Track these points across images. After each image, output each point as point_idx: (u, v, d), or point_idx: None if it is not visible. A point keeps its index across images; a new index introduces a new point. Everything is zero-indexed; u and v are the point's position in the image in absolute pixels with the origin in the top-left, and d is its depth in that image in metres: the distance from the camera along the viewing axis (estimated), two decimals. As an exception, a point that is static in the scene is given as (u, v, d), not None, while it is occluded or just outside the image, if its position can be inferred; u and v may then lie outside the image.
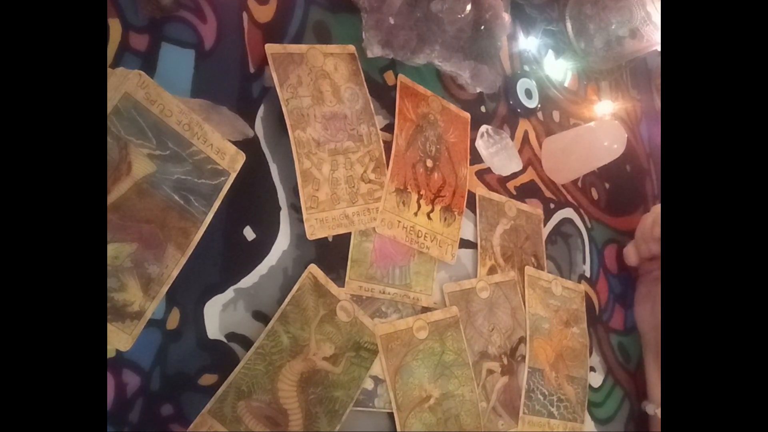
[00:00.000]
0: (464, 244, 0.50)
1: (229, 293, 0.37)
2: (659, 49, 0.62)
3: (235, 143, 0.37)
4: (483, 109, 0.55)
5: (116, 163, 0.32)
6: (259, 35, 0.42)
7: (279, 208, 0.40)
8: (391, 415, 0.42)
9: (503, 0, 0.51)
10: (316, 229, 0.40)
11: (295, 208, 0.41)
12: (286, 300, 0.38)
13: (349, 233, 0.43)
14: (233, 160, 0.37)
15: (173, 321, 0.35)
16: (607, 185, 0.66)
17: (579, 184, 0.63)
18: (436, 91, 0.51)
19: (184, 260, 0.34)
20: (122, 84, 0.33)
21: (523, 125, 0.58)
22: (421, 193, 0.47)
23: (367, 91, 0.45)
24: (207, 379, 0.36)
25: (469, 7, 0.48)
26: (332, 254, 0.42)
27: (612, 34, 0.62)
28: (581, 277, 0.60)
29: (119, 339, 0.32)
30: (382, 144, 0.45)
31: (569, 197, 0.61)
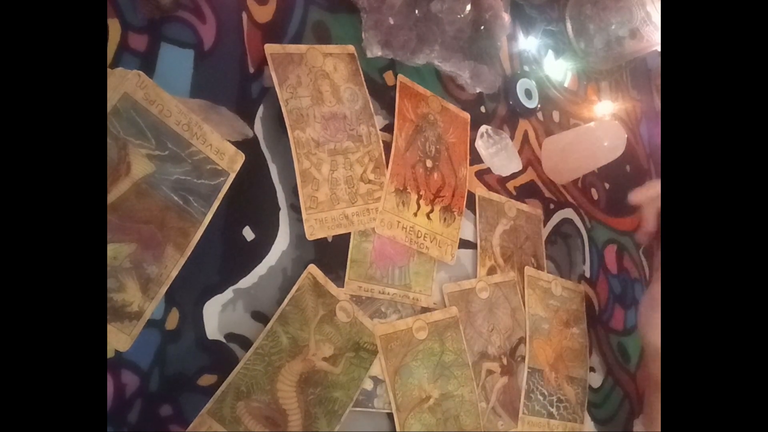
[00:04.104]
0: (464, 244, 0.50)
1: (229, 293, 0.37)
2: (659, 49, 0.61)
3: (234, 143, 0.37)
4: (483, 109, 0.55)
5: (115, 163, 0.32)
6: (259, 35, 0.42)
7: (278, 209, 0.40)
8: (390, 416, 0.42)
9: (503, 0, 0.51)
10: (315, 230, 0.40)
11: (295, 208, 0.41)
12: (286, 300, 0.38)
13: (349, 233, 0.43)
14: (232, 161, 0.37)
15: (172, 321, 0.35)
16: (607, 185, 0.66)
17: (579, 184, 0.63)
18: (435, 92, 0.51)
19: (183, 260, 0.34)
20: (121, 84, 0.33)
21: (523, 125, 0.58)
22: (420, 193, 0.47)
23: (367, 91, 0.45)
24: (206, 380, 0.36)
25: (468, 7, 0.48)
26: (332, 254, 0.42)
27: (612, 35, 0.62)
28: (581, 278, 0.60)
29: (118, 339, 0.32)
30: (381, 144, 0.45)
31: (569, 197, 0.61)
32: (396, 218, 0.45)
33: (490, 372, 0.48)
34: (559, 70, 0.64)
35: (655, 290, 0.47)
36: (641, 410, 0.57)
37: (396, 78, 0.48)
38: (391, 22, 0.45)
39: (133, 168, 0.33)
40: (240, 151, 0.37)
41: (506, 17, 0.51)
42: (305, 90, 0.42)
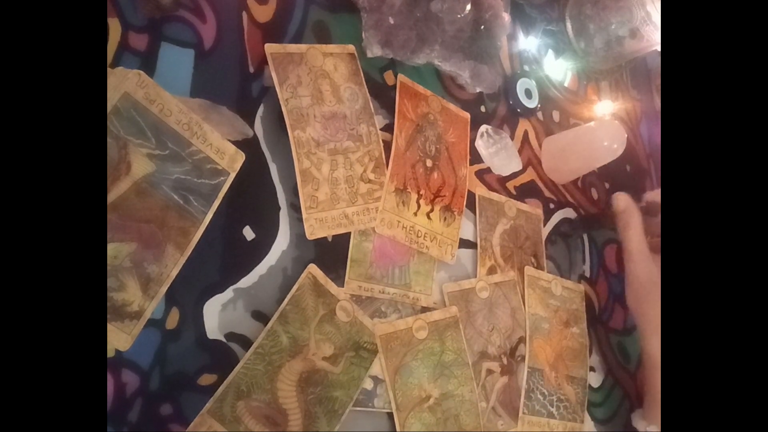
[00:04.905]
0: (464, 243, 0.50)
1: (229, 293, 0.37)
2: (659, 49, 0.61)
3: (234, 143, 0.37)
4: (483, 109, 0.55)
5: (115, 162, 0.32)
6: (259, 35, 0.42)
7: (278, 208, 0.40)
8: (390, 415, 0.42)
9: (503, 0, 0.51)
10: (315, 229, 0.40)
11: (295, 207, 0.41)
12: (286, 300, 0.38)
13: (349, 233, 0.43)
14: (233, 160, 0.37)
15: (172, 321, 0.35)
16: (607, 185, 0.66)
17: (579, 184, 0.63)
18: (435, 91, 0.51)
19: (183, 260, 0.34)
20: (122, 83, 0.33)
21: (523, 125, 0.58)
22: (420, 192, 0.47)
23: (367, 90, 0.45)
24: (206, 379, 0.36)
25: (468, 6, 0.48)
26: (332, 254, 0.42)
27: (612, 34, 0.62)
28: (581, 277, 0.60)
29: (118, 339, 0.32)
30: (381, 144, 0.45)
31: (569, 197, 0.61)
32: (396, 218, 0.45)
33: (490, 371, 0.48)
34: (559, 70, 0.64)
35: (638, 270, 0.51)
36: (640, 405, 0.57)
37: (396, 78, 0.48)
38: (391, 21, 0.45)
39: (133, 167, 0.33)
40: (240, 151, 0.37)
41: (506, 17, 0.51)
42: (305, 89, 0.42)
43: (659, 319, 0.50)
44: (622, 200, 0.53)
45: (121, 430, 0.32)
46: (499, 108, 0.57)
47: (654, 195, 0.56)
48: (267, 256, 0.39)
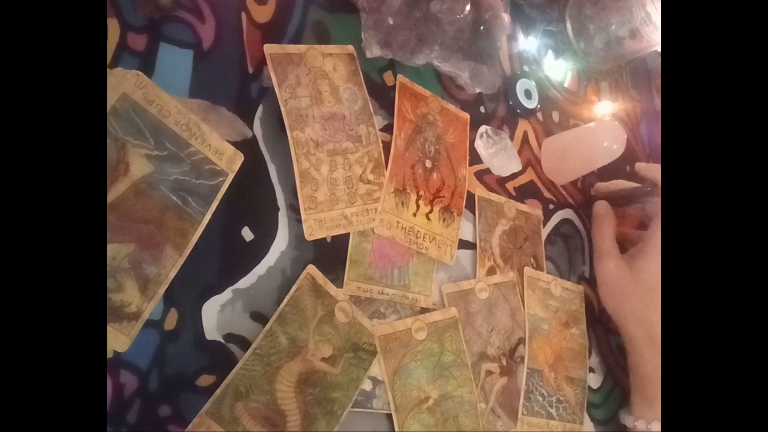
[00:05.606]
0: (463, 244, 0.50)
1: (227, 294, 0.37)
2: (659, 49, 0.61)
3: (233, 144, 0.37)
4: (482, 109, 0.55)
5: (114, 163, 0.32)
6: (258, 35, 0.42)
7: (277, 209, 0.40)
8: (389, 416, 0.42)
9: (503, 0, 0.51)
10: (314, 230, 0.40)
11: (294, 208, 0.41)
12: (285, 301, 0.38)
13: (348, 234, 0.43)
14: (231, 161, 0.37)
15: (171, 322, 0.35)
16: (606, 186, 0.66)
17: (578, 184, 0.63)
18: (435, 92, 0.50)
19: (181, 261, 0.34)
20: (120, 84, 0.33)
21: (523, 126, 0.58)
22: (420, 193, 0.47)
23: (366, 91, 0.45)
24: (205, 380, 0.36)
25: (468, 7, 0.48)
26: (331, 255, 0.42)
27: (612, 35, 0.62)
28: (581, 278, 0.60)
29: (117, 340, 0.32)
30: (380, 144, 0.45)
31: (569, 198, 0.61)
32: (395, 218, 0.45)
33: (489, 372, 0.48)
34: (559, 70, 0.64)
35: (611, 267, 0.56)
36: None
37: (395, 78, 0.48)
38: (391, 22, 0.45)
39: (131, 168, 0.33)
40: (239, 152, 0.37)
41: (506, 17, 0.51)
42: (304, 90, 0.42)
43: (635, 312, 0.53)
44: (602, 207, 0.59)
45: (120, 431, 0.32)
46: (498, 108, 0.57)
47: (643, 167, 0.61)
48: (266, 257, 0.39)
